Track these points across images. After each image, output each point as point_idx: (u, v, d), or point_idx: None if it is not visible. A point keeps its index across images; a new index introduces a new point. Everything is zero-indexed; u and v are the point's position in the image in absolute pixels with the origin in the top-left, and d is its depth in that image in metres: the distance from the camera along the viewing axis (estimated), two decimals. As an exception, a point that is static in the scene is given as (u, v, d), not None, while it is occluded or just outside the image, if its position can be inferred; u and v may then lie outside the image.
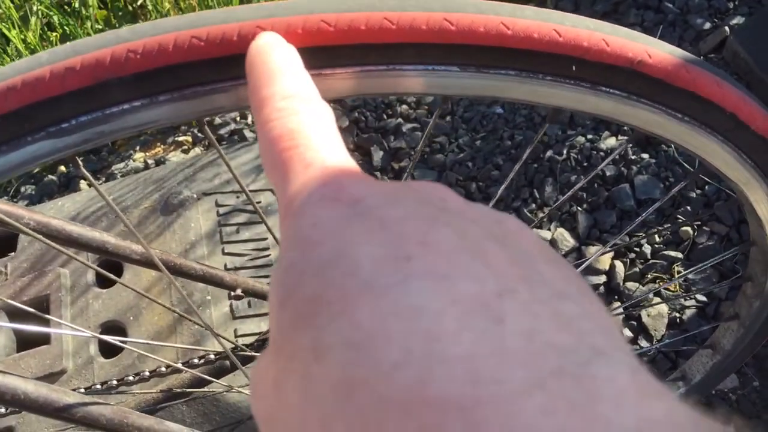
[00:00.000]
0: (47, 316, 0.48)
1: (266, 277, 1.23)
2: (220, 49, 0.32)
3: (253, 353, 0.62)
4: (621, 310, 1.19)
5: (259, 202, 1.32)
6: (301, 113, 0.24)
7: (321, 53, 0.33)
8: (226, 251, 1.25)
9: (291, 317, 0.17)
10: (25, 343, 1.21)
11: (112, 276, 0.51)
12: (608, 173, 1.32)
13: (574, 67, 0.36)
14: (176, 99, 0.33)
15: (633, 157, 1.33)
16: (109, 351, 1.18)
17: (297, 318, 0.17)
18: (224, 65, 0.32)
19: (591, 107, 0.40)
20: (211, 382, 0.66)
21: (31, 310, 0.46)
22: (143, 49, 0.31)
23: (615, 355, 0.15)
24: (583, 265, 0.88)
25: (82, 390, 0.65)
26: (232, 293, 0.63)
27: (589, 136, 1.37)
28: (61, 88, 0.32)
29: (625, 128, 1.31)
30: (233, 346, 0.64)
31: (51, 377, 1.13)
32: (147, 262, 0.58)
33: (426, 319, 0.15)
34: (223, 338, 0.55)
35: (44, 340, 1.17)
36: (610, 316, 0.19)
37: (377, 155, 1.46)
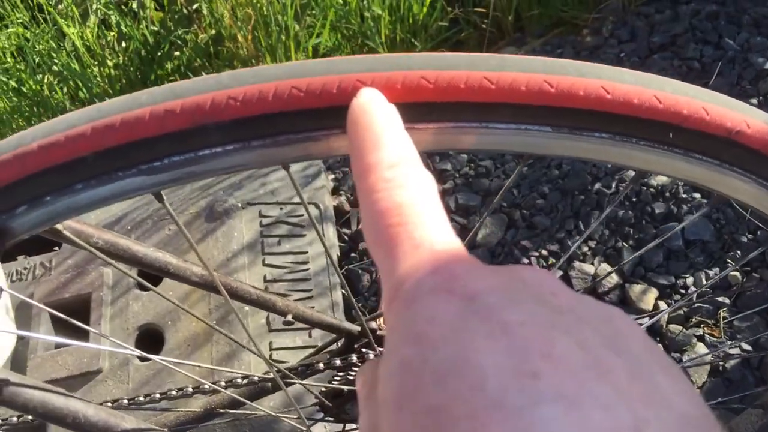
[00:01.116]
0: (84, 326, 0.48)
1: (305, 291, 1.23)
2: (318, 101, 0.32)
3: (296, 380, 0.62)
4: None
5: (301, 215, 1.33)
6: (407, 186, 0.24)
7: (417, 108, 0.33)
8: (266, 262, 1.25)
9: (412, 424, 0.17)
10: (64, 335, 1.23)
11: (148, 284, 0.51)
12: (657, 210, 1.29)
13: (671, 134, 0.35)
14: (268, 145, 0.33)
15: (684, 196, 1.30)
16: (145, 352, 1.19)
17: (419, 427, 0.17)
18: (320, 116, 0.32)
19: (681, 173, 0.39)
20: (248, 403, 0.66)
21: (66, 317, 0.46)
22: (243, 96, 0.31)
23: None
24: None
25: (125, 401, 0.66)
26: (284, 319, 0.63)
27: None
28: (159, 130, 0.32)
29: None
30: (276, 368, 0.64)
31: (87, 376, 1.15)
32: (206, 284, 0.59)
33: None
34: (270, 362, 0.55)
35: (84, 337, 1.19)
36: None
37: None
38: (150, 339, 1.20)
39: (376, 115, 0.28)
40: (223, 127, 0.32)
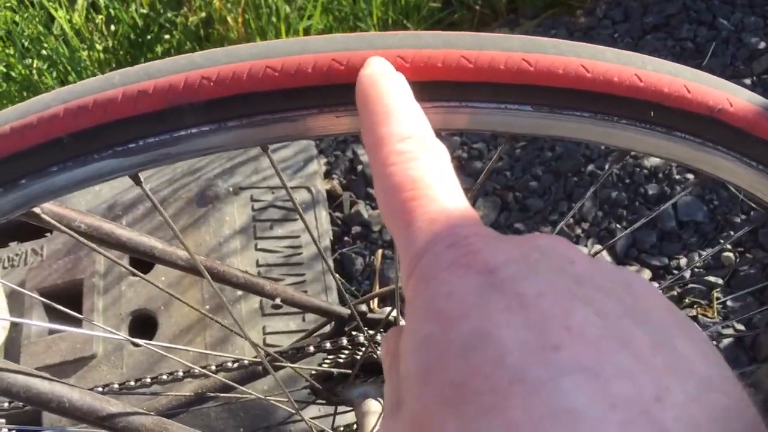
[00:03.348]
0: (76, 314, 0.48)
1: (298, 275, 1.23)
2: (293, 81, 0.31)
3: (286, 364, 0.62)
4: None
5: (295, 200, 1.32)
6: (421, 158, 0.24)
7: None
8: (259, 247, 1.25)
9: (435, 397, 0.17)
10: (57, 320, 1.23)
11: (138, 273, 0.50)
12: (651, 192, 1.29)
13: (652, 113, 0.35)
14: (244, 126, 0.33)
15: (677, 177, 1.30)
16: (139, 337, 1.19)
17: (443, 401, 0.17)
18: (296, 95, 0.32)
19: (663, 152, 0.38)
20: (239, 386, 0.66)
21: (56, 305, 0.46)
22: (217, 76, 0.31)
23: None
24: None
25: (116, 386, 0.66)
26: (272, 302, 0.63)
27: (633, 153, 1.34)
28: (132, 110, 0.31)
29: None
30: (266, 353, 0.64)
31: (81, 361, 1.15)
32: (192, 269, 0.58)
33: (587, 427, 0.15)
34: (259, 346, 0.55)
35: (76, 322, 1.19)
36: (748, 394, 0.19)
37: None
38: (143, 324, 1.20)
39: (386, 85, 0.27)
40: (197, 107, 0.32)
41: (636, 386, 0.16)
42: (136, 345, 1.14)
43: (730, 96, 0.36)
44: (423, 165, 0.23)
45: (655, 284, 1.20)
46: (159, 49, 1.94)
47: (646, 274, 1.21)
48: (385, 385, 0.24)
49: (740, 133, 0.37)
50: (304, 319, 1.18)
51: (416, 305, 0.20)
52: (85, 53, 1.88)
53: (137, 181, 0.36)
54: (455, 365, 0.17)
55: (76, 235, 0.39)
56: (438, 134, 0.28)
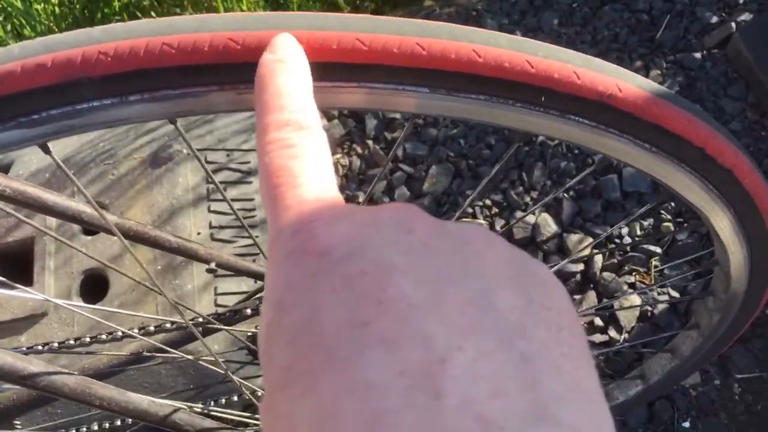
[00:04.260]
0: (22, 287, 0.49)
1: (249, 238, 1.24)
2: (190, 58, 0.32)
3: (220, 326, 0.64)
4: (595, 299, 1.22)
5: (248, 162, 1.33)
6: (296, 145, 0.25)
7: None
8: (212, 209, 1.26)
9: (272, 383, 0.18)
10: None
11: (69, 244, 0.51)
12: (594, 156, 1.32)
13: (543, 98, 0.37)
14: (146, 100, 0.34)
15: (624, 149, 1.33)
16: (90, 297, 1.20)
17: (276, 385, 0.18)
18: (194, 73, 0.33)
19: (560, 134, 0.40)
20: (170, 348, 0.67)
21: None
22: (114, 51, 0.32)
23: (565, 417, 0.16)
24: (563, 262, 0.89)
25: (56, 345, 0.67)
26: (207, 266, 0.64)
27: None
28: (31, 83, 0.32)
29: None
30: (195, 316, 0.66)
31: (32, 318, 1.16)
32: (123, 233, 0.59)
33: (374, 398, 0.15)
34: (191, 309, 0.56)
35: (27, 281, 1.19)
36: (578, 345, 0.19)
37: (371, 123, 1.45)
38: (96, 284, 1.21)
39: (279, 71, 0.28)
40: (95, 81, 0.32)
41: (428, 350, 0.16)
42: (90, 304, 1.15)
43: (619, 82, 0.38)
44: (294, 153, 0.24)
45: (598, 253, 1.25)
46: (116, 3, 1.89)
47: (589, 242, 1.25)
48: None
49: (630, 117, 0.40)
50: (255, 281, 1.19)
51: (266, 290, 0.21)
52: (40, 6, 1.82)
53: (46, 150, 0.37)
54: (286, 351, 0.18)
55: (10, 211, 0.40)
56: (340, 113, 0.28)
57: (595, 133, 0.40)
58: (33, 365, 0.48)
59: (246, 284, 1.20)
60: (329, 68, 0.34)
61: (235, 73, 0.33)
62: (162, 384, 1.09)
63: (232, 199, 1.27)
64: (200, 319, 0.66)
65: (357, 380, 0.16)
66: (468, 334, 0.17)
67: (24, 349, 0.60)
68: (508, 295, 0.19)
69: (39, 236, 1.21)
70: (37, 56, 0.32)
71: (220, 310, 1.09)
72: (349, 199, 1.36)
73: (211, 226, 1.24)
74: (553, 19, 1.58)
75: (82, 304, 0.62)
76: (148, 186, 1.27)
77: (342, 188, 1.39)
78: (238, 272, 0.69)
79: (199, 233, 1.23)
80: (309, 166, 0.24)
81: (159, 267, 1.19)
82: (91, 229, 0.58)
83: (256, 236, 1.25)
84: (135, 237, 0.60)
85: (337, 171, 1.41)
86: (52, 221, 1.23)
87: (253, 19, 0.33)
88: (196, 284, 1.18)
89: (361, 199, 1.36)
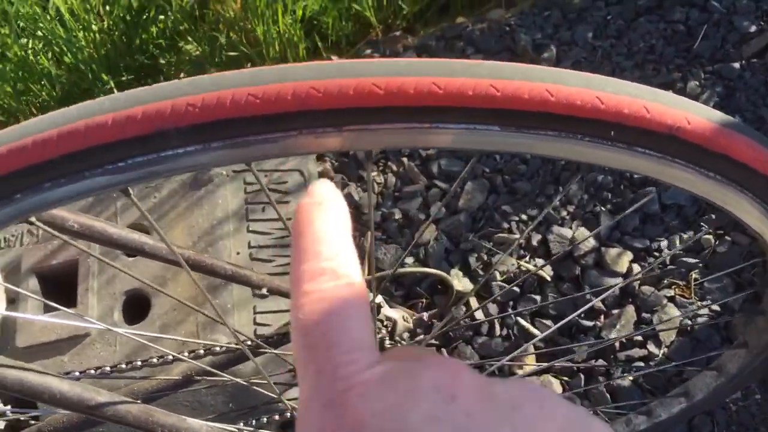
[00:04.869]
0: (65, 309, 0.50)
1: (289, 257, 1.25)
2: (274, 107, 0.33)
3: (269, 349, 0.65)
4: (634, 314, 1.21)
5: (286, 182, 1.34)
6: (328, 299, 0.23)
7: (369, 111, 0.34)
8: (251, 229, 1.27)
9: None
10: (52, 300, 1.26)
11: (118, 267, 0.52)
12: (635, 175, 1.31)
13: (612, 132, 0.37)
14: (227, 146, 0.35)
15: (661, 161, 1.32)
16: (131, 317, 1.22)
17: None
18: (275, 120, 0.34)
19: (624, 165, 0.41)
20: (219, 371, 0.69)
21: (53, 305, 0.49)
22: (202, 103, 0.33)
23: None
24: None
25: (108, 369, 0.68)
26: (257, 291, 0.65)
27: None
28: (121, 135, 0.33)
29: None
30: (250, 339, 0.67)
31: (75, 339, 1.18)
32: (178, 262, 0.61)
33: None
34: (241, 333, 0.57)
35: (71, 302, 1.21)
36: None
37: (404, 140, 1.46)
38: (137, 304, 1.23)
39: (316, 216, 0.26)
40: (183, 131, 0.34)
41: None
42: (132, 324, 1.17)
43: (688, 115, 0.39)
44: (328, 308, 0.23)
45: (637, 267, 1.23)
46: (154, 29, 1.93)
47: (628, 255, 1.24)
48: None
49: (698, 149, 0.40)
50: (294, 300, 1.21)
51: None
52: (81, 34, 1.87)
53: (127, 194, 0.38)
54: None
55: (67, 239, 0.42)
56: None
57: (661, 163, 0.41)
58: (100, 395, 0.49)
59: (284, 303, 1.21)
60: (406, 111, 0.34)
61: (316, 118, 0.34)
62: (202, 402, 1.11)
63: (271, 219, 1.28)
64: (249, 342, 0.68)
65: None
66: None
67: (77, 373, 0.61)
68: None
69: (83, 258, 1.24)
70: (127, 109, 0.33)
71: (260, 330, 1.10)
72: (385, 218, 1.37)
73: (250, 246, 1.26)
74: (588, 32, 1.58)
75: (148, 333, 0.63)
76: (189, 208, 1.29)
77: (378, 206, 1.40)
78: (288, 296, 0.70)
79: (238, 253, 1.25)
80: (343, 322, 0.23)
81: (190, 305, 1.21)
82: (154, 259, 0.60)
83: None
84: (194, 266, 0.62)
85: (372, 188, 1.42)
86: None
87: (334, 68, 0.34)
88: (235, 303, 1.20)
89: (397, 216, 1.37)
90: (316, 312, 0.23)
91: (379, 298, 0.73)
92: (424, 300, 1.26)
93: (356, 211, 1.40)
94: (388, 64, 0.34)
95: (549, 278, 1.25)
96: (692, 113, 0.39)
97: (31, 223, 0.43)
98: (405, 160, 1.44)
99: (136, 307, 1.23)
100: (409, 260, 1.31)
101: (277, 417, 0.89)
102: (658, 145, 0.39)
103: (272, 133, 0.35)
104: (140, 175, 0.36)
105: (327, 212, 0.26)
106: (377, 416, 0.19)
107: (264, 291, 0.65)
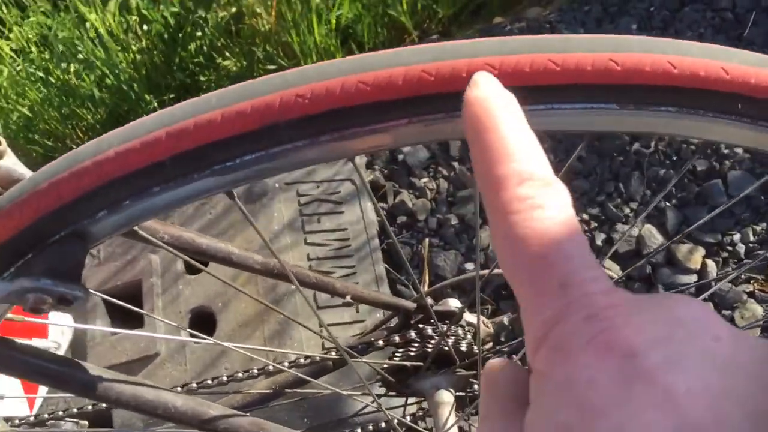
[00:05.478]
0: (141, 311, 0.50)
1: (348, 267, 1.25)
2: (384, 93, 0.32)
3: (361, 359, 0.64)
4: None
5: (338, 192, 1.34)
6: (545, 207, 0.21)
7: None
8: (308, 241, 1.27)
9: None
10: (120, 321, 1.27)
11: (199, 264, 0.52)
12: (699, 168, 1.27)
13: (739, 105, 0.35)
14: (336, 139, 0.34)
15: (726, 152, 1.27)
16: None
17: None
18: (386, 107, 0.33)
19: (749, 141, 0.38)
20: (314, 380, 0.67)
21: (126, 304, 0.48)
22: (311, 94, 0.32)
23: None
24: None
25: (194, 385, 0.68)
26: (343, 300, 0.65)
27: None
28: (231, 131, 0.33)
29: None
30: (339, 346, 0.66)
31: (145, 360, 1.19)
32: (269, 272, 0.60)
33: None
34: (336, 343, 0.56)
35: (138, 322, 1.22)
36: None
37: (455, 145, 1.45)
38: (202, 322, 1.23)
39: (501, 113, 0.23)
40: (292, 124, 0.33)
41: None
42: (200, 342, 1.17)
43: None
44: (549, 216, 0.21)
45: (711, 263, 1.19)
46: (192, 46, 1.96)
47: (700, 251, 1.19)
48: (480, 427, 0.23)
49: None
50: (357, 311, 1.19)
51: (551, 382, 0.19)
52: (120, 55, 1.91)
53: (231, 197, 0.38)
54: None
55: (173, 250, 0.41)
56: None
57: (787, 139, 0.38)
58: (213, 409, 0.49)
59: (348, 314, 1.20)
60: (520, 93, 0.33)
61: (427, 104, 0.33)
62: (276, 419, 1.10)
63: (327, 230, 1.28)
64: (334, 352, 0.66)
65: None
66: None
67: (179, 388, 0.61)
68: None
69: (146, 277, 1.25)
70: (236, 104, 0.33)
71: (327, 344, 1.09)
72: (441, 224, 1.35)
73: (309, 259, 1.25)
74: (632, 24, 1.54)
75: (227, 343, 0.63)
76: (245, 221, 1.29)
77: (432, 212, 1.38)
78: (372, 303, 0.69)
79: (312, 270, 1.24)
80: (568, 230, 0.21)
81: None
82: (241, 269, 0.59)
83: (353, 266, 1.26)
84: (279, 274, 0.61)
85: (425, 195, 1.40)
86: (156, 262, 1.27)
87: (443, 49, 0.32)
88: (298, 316, 1.19)
89: (453, 222, 1.35)
90: (537, 220, 0.20)
91: (459, 303, 0.71)
92: (489, 306, 1.23)
93: (410, 218, 1.38)
94: (501, 42, 0.33)
95: (616, 276, 1.21)
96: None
97: (135, 234, 0.42)
98: (456, 164, 1.42)
99: (202, 325, 1.24)
100: (469, 266, 1.29)
101: (371, 427, 0.86)
102: (785, 117, 0.37)
103: (381, 123, 0.33)
104: (249, 174, 0.35)
105: (507, 106, 0.24)
106: (652, 346, 0.18)
107: (348, 299, 0.63)
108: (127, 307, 0.50)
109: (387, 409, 1.04)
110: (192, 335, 0.54)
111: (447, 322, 0.66)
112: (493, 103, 0.24)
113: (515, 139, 0.22)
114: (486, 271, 1.15)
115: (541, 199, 0.21)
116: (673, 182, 0.46)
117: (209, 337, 0.51)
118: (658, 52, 0.33)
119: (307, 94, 0.32)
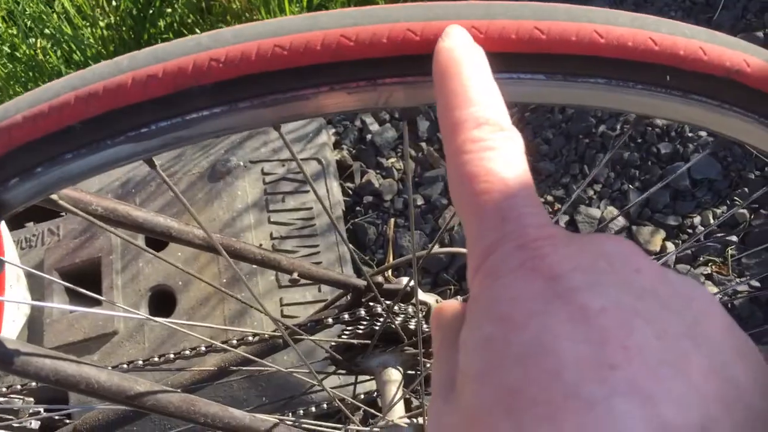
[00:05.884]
0: (95, 295, 0.48)
1: (312, 246, 1.24)
2: (302, 59, 0.31)
3: (307, 336, 0.63)
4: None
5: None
6: (497, 149, 0.23)
7: (402, 61, 0.32)
8: (272, 220, 1.26)
9: (491, 398, 0.18)
10: (78, 298, 1.25)
11: (152, 252, 0.51)
12: (663, 150, 1.28)
13: (668, 77, 0.34)
14: (256, 106, 0.33)
15: (690, 135, 1.28)
16: (158, 314, 1.21)
17: (497, 403, 0.17)
18: (305, 74, 0.32)
19: (680, 115, 0.38)
20: (260, 359, 0.67)
21: (76, 287, 0.47)
22: (225, 57, 0.31)
23: None
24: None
25: (140, 363, 0.67)
26: (289, 276, 0.64)
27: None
28: (142, 96, 0.31)
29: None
30: (285, 326, 0.65)
31: (103, 338, 1.17)
32: (209, 247, 0.59)
33: None
34: (279, 320, 0.55)
35: (96, 300, 1.20)
36: None
37: (423, 125, 1.44)
38: (162, 300, 1.22)
39: (466, 62, 0.26)
40: (207, 89, 0.31)
41: (685, 414, 0.16)
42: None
43: (747, 57, 0.36)
44: (498, 155, 0.22)
45: (671, 245, 1.20)
46: (161, 23, 1.92)
47: (661, 234, 1.20)
48: (434, 361, 0.25)
49: (758, 94, 0.37)
50: (320, 290, 1.19)
51: (480, 302, 0.20)
52: (88, 30, 1.87)
53: (151, 165, 0.36)
54: (513, 371, 0.17)
55: (93, 219, 0.40)
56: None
57: (719, 112, 0.38)
58: (139, 385, 0.48)
59: (310, 293, 1.19)
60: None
61: (348, 71, 0.32)
62: (235, 398, 1.09)
63: (291, 209, 1.27)
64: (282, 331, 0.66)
65: (608, 427, 0.16)
66: (719, 404, 0.17)
67: (125, 365, 0.60)
68: (741, 371, 0.18)
69: (105, 255, 1.23)
70: (148, 67, 0.31)
71: (288, 321, 1.08)
72: (407, 204, 1.35)
73: (272, 237, 1.24)
74: (602, 6, 1.54)
75: (184, 321, 0.62)
76: (209, 200, 1.27)
77: (398, 192, 1.37)
78: (320, 281, 0.68)
79: (260, 245, 1.23)
80: (516, 170, 0.22)
81: (224, 280, 1.19)
82: (180, 244, 0.58)
83: (317, 245, 1.25)
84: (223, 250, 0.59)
85: (392, 175, 1.40)
86: (117, 239, 1.25)
87: (364, 14, 0.31)
88: (261, 295, 1.18)
89: (419, 202, 1.34)
90: (485, 159, 0.22)
91: (413, 282, 0.71)
92: (452, 287, 1.23)
93: (377, 198, 1.37)
94: (425, 8, 0.32)
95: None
96: (752, 55, 0.36)
97: (56, 204, 0.41)
98: (423, 144, 1.42)
99: (162, 303, 1.22)
100: (435, 247, 1.29)
101: (313, 408, 0.87)
102: (716, 90, 0.36)
103: (302, 90, 0.32)
104: (165, 141, 0.34)
105: (474, 55, 0.26)
106: (574, 271, 0.19)
107: (295, 275, 0.62)
108: (75, 289, 0.48)
109: (340, 387, 1.03)
110: (148, 318, 0.53)
111: (395, 300, 0.65)
112: (459, 52, 0.26)
113: (476, 86, 0.24)
114: (424, 252, 1.15)
115: (494, 142, 0.23)
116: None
117: (163, 318, 0.50)
118: (586, 21, 0.33)
119: (221, 57, 0.31)
